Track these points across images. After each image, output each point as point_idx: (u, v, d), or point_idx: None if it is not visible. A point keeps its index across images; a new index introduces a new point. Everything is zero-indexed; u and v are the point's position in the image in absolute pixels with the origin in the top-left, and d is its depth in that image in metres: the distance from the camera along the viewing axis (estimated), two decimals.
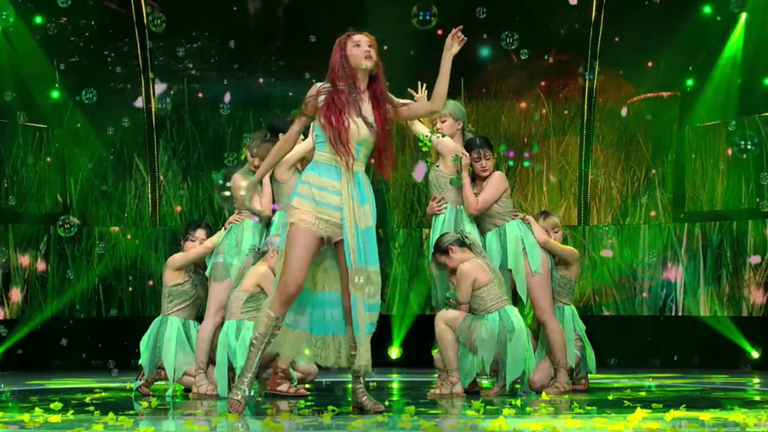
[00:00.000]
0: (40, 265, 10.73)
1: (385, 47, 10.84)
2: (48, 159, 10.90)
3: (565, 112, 11.44)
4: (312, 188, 5.61)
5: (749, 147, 8.91)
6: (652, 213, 11.14)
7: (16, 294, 10.54)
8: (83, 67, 11.12)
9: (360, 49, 5.65)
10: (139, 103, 11.34)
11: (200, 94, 11.50)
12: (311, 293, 5.73)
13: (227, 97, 11.23)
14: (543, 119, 11.50)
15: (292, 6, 11.49)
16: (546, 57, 11.38)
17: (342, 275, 5.66)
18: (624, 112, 11.22)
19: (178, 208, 11.44)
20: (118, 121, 11.22)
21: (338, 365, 5.74)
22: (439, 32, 11.43)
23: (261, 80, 11.48)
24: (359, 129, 5.62)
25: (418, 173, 7.61)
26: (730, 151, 10.54)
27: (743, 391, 7.46)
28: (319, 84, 5.72)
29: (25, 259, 10.64)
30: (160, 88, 11.41)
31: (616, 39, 11.14)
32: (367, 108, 5.67)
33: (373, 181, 5.76)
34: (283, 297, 5.58)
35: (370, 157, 5.73)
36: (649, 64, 11.10)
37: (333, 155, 5.61)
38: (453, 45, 5.79)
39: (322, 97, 5.66)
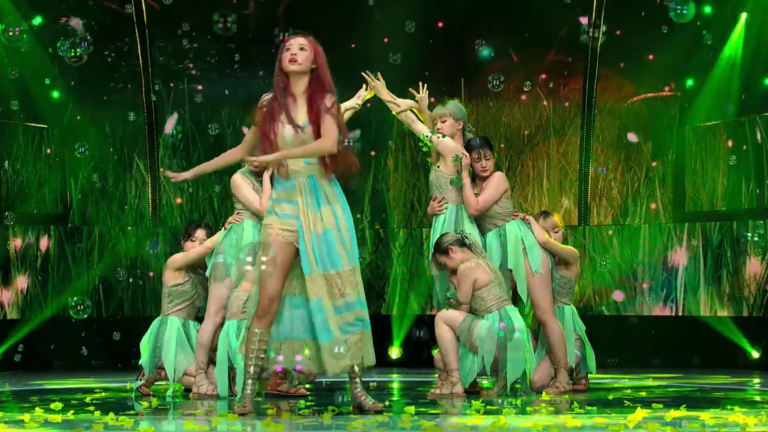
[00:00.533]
0: (41, 265, 10.73)
1: (386, 39, 10.86)
2: (48, 150, 10.88)
3: (566, 104, 11.44)
4: (273, 203, 5.71)
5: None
6: (653, 205, 11.12)
7: (16, 293, 10.54)
8: (83, 67, 11.11)
9: (288, 52, 5.67)
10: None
11: (200, 93, 11.49)
12: (309, 301, 5.71)
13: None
14: (543, 119, 11.50)
15: (292, 5, 11.48)
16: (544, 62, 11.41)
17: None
18: (633, 138, 11.20)
19: (179, 201, 11.42)
20: (118, 121, 11.22)
21: (333, 371, 5.71)
22: (439, 24, 11.47)
23: (261, 73, 11.43)
24: (285, 134, 5.63)
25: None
26: (731, 142, 10.53)
27: (743, 391, 7.46)
28: (265, 95, 5.79)
29: (25, 259, 10.63)
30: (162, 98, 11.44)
31: (617, 35, 11.12)
32: (300, 111, 5.67)
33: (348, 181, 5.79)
34: (259, 311, 5.63)
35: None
36: (649, 62, 11.10)
37: (283, 167, 5.66)
38: None
39: (264, 109, 5.72)
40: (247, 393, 5.61)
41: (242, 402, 5.61)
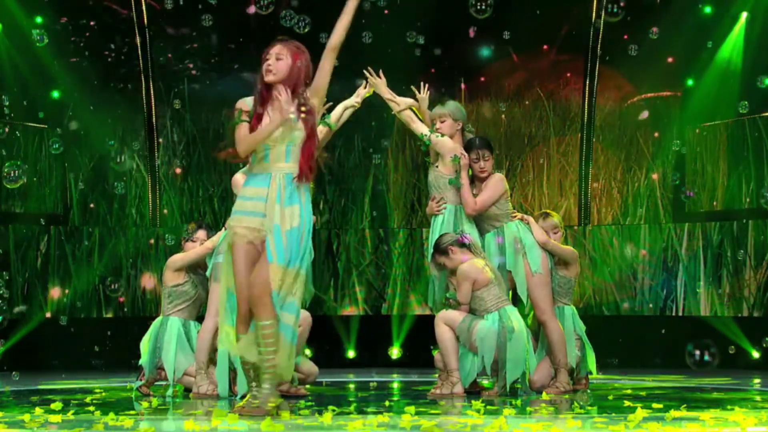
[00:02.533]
0: (40, 265, 10.74)
1: (385, 15, 10.87)
2: (51, 131, 10.90)
3: (566, 104, 11.44)
4: (238, 200, 5.67)
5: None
6: (654, 176, 11.10)
7: (18, 293, 10.55)
8: (83, 67, 11.12)
9: (265, 63, 5.66)
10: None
11: (200, 93, 11.49)
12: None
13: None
14: (543, 119, 11.50)
15: (293, 5, 11.49)
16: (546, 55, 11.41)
17: None
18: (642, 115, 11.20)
19: (178, 170, 11.40)
20: (118, 121, 11.22)
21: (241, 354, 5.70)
22: (439, 7, 11.48)
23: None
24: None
25: None
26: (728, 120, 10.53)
27: (743, 391, 7.46)
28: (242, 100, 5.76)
29: (25, 260, 10.64)
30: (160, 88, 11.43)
31: (616, 38, 11.13)
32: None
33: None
34: (238, 316, 5.60)
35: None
36: (650, 63, 11.10)
37: (264, 163, 5.60)
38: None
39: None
40: (253, 393, 5.61)
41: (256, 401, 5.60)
